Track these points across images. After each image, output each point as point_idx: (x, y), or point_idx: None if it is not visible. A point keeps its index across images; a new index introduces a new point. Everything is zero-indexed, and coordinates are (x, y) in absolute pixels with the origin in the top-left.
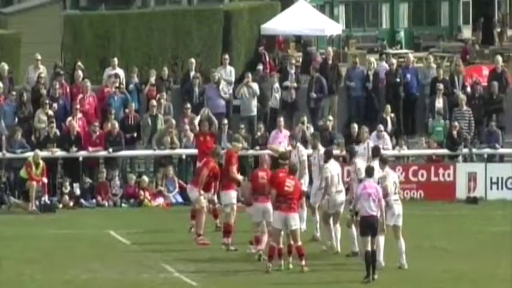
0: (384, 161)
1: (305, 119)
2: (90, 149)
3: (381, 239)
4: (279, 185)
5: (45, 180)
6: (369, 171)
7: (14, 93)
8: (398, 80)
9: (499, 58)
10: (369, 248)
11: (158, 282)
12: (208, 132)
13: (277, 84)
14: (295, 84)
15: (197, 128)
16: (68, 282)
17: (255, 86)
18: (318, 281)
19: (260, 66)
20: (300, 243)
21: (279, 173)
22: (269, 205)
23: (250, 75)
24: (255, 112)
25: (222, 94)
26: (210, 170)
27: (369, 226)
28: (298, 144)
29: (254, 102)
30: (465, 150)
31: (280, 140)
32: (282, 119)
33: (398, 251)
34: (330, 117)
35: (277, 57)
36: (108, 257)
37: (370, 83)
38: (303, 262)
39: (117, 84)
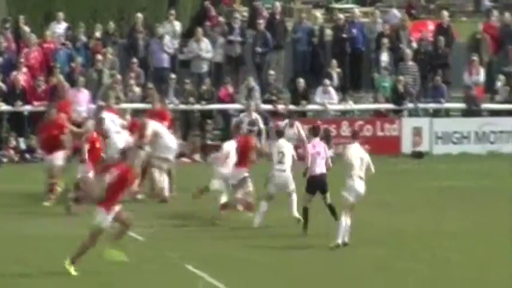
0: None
1: (251, 78)
2: (35, 103)
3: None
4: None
5: None
6: (315, 131)
7: None
8: (344, 35)
9: (445, 13)
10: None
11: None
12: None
13: (222, 39)
14: (239, 38)
15: None
16: (18, 237)
17: (206, 42)
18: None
19: (207, 22)
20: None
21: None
22: None
23: (200, 30)
24: (205, 68)
25: (166, 49)
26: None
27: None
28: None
29: (203, 58)
30: (410, 105)
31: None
32: (82, 78)
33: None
34: (271, 72)
35: (223, 12)
36: (54, 211)
37: (316, 37)
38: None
39: (62, 39)
